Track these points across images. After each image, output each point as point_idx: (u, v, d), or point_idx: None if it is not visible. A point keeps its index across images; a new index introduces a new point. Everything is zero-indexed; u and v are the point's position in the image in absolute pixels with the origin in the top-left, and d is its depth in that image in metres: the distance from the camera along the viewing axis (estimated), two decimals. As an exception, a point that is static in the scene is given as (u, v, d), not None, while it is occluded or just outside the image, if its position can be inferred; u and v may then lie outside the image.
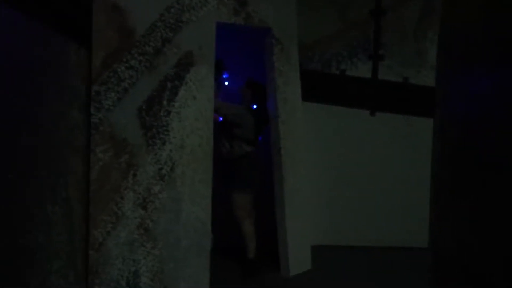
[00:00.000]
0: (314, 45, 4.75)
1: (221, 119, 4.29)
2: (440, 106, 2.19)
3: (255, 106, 4.30)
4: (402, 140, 4.84)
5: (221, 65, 4.13)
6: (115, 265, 3.47)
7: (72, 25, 3.27)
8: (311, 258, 4.37)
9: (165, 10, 3.52)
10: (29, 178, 2.66)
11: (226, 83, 4.42)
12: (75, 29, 3.31)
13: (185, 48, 3.57)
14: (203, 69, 3.64)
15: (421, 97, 4.75)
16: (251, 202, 4.30)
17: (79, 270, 3.31)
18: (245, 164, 4.27)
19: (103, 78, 3.48)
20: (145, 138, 3.52)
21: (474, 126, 1.90)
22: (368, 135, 4.83)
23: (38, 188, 2.74)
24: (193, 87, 3.60)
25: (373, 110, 4.81)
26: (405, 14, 4.83)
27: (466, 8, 1.88)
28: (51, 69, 2.95)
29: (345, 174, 4.81)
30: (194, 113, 3.62)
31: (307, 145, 4.53)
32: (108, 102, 3.50)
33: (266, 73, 4.16)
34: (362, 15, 4.79)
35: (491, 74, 1.73)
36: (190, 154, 3.61)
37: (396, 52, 4.83)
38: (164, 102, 3.54)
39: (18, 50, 2.57)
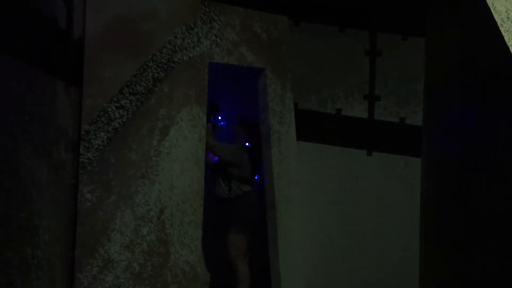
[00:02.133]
0: (309, 84, 4.74)
1: (216, 159, 4.26)
2: (426, 145, 2.14)
3: (247, 144, 4.27)
4: (399, 180, 4.76)
5: (215, 106, 4.12)
6: (100, 310, 3.34)
7: (61, 64, 3.26)
8: (305, 302, 4.23)
9: (157, 50, 3.52)
10: (7, 221, 2.57)
11: (221, 123, 4.41)
12: (65, 67, 3.30)
13: (177, 88, 3.55)
14: (195, 109, 3.61)
15: (418, 137, 4.69)
16: (247, 242, 4.24)
17: (62, 317, 3.18)
18: (242, 204, 4.25)
19: (93, 118, 3.45)
20: (134, 178, 3.45)
21: (459, 164, 1.85)
22: (364, 175, 4.75)
23: (16, 232, 2.65)
24: (184, 126, 3.56)
25: (370, 150, 4.75)
26: (401, 55, 4.84)
27: (448, 51, 1.86)
28: (37, 107, 2.91)
29: (341, 215, 4.70)
30: (184, 153, 3.56)
31: (302, 185, 4.46)
32: (97, 142, 3.45)
33: (260, 113, 4.13)
34: (357, 55, 4.80)
35: (472, 112, 1.69)
36: (180, 195, 3.53)
37: (392, 93, 4.81)
38: (154, 142, 3.49)
39: (4, 88, 2.53)
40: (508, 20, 1.38)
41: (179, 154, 3.54)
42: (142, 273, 3.41)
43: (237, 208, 4.25)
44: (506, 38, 1.32)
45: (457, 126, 1.93)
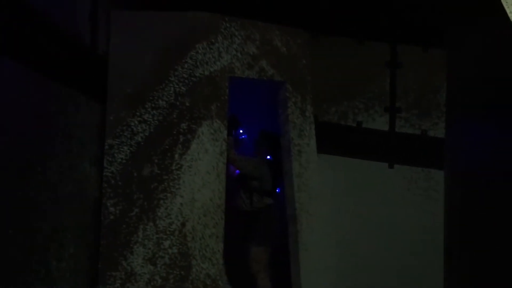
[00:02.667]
0: (330, 97, 4.74)
1: (238, 172, 4.28)
2: (449, 158, 2.12)
3: (268, 157, 4.27)
4: (421, 193, 4.70)
5: (236, 120, 4.15)
6: (122, 323, 3.36)
7: (85, 79, 3.34)
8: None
9: (179, 65, 3.57)
10: (33, 233, 2.63)
11: (243, 137, 4.42)
12: (89, 82, 3.37)
13: (198, 103, 3.59)
14: (216, 123, 3.64)
15: (441, 149, 4.64)
16: (268, 255, 4.23)
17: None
18: (264, 217, 4.24)
19: (117, 132, 3.51)
20: (156, 192, 3.49)
21: (485, 176, 1.83)
22: (386, 188, 4.71)
23: (42, 245, 2.71)
24: (205, 140, 3.59)
25: (391, 162, 4.71)
26: (422, 66, 4.80)
27: (469, 63, 1.85)
28: (61, 122, 2.98)
29: (363, 228, 4.65)
30: (206, 166, 3.59)
31: (323, 198, 4.44)
32: (121, 156, 3.51)
33: (280, 126, 4.15)
34: (377, 67, 4.78)
35: (495, 124, 1.68)
36: (201, 208, 3.55)
37: (413, 104, 4.77)
38: (176, 156, 3.53)
39: (27, 103, 2.61)
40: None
41: (201, 168, 3.57)
42: (164, 286, 3.43)
43: (258, 221, 4.25)
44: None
45: (481, 138, 1.91)
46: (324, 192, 4.48)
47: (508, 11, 1.38)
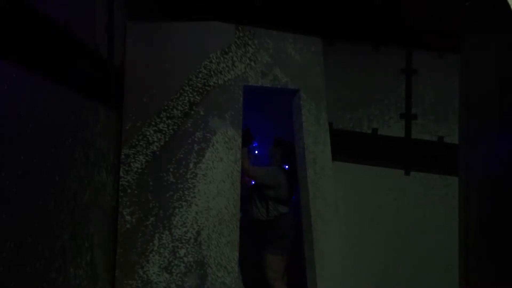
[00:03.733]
0: (345, 104, 4.73)
1: (253, 182, 4.29)
2: (464, 166, 2.09)
3: (287, 167, 4.29)
4: (438, 199, 4.65)
5: (250, 134, 4.17)
6: (139, 331, 3.39)
7: (102, 89, 3.39)
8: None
9: (193, 74, 3.61)
10: (52, 240, 2.67)
11: (256, 152, 4.44)
12: (106, 93, 3.43)
13: (212, 112, 3.62)
14: (230, 132, 3.66)
15: (458, 156, 4.58)
16: (284, 263, 4.23)
17: (102, 336, 3.24)
18: (280, 225, 4.25)
19: (133, 141, 3.56)
20: (172, 200, 3.52)
21: (499, 187, 1.80)
22: (403, 195, 4.67)
23: (60, 252, 2.75)
24: (220, 149, 3.62)
25: (408, 169, 4.68)
26: (438, 72, 4.77)
27: (483, 70, 1.83)
28: (79, 131, 3.03)
29: (379, 236, 4.62)
30: (220, 175, 3.61)
31: (339, 206, 4.42)
32: (136, 165, 3.55)
33: (295, 133, 4.15)
34: (393, 74, 4.76)
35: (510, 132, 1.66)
36: (216, 217, 3.57)
37: (429, 111, 4.73)
38: (191, 165, 3.56)
39: (47, 113, 2.66)
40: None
41: (215, 176, 3.59)
42: (180, 294, 3.44)
43: (274, 229, 4.25)
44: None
45: (495, 146, 1.89)
46: (339, 199, 4.46)
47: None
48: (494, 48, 1.84)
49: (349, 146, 4.70)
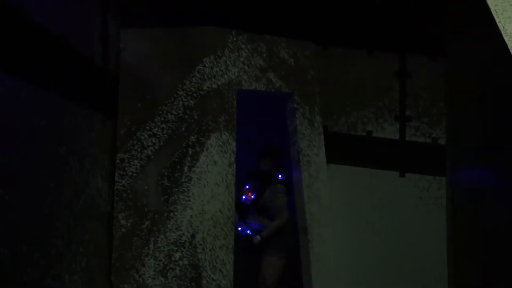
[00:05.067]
0: (339, 107, 4.75)
1: (253, 196, 4.18)
2: (450, 168, 2.12)
3: (280, 176, 4.22)
4: (433, 201, 4.66)
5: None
6: (135, 335, 3.41)
7: (97, 97, 3.43)
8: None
9: (187, 79, 3.64)
10: (48, 249, 2.69)
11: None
12: (100, 100, 3.46)
13: (206, 116, 3.65)
14: (224, 135, 3.69)
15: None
16: (282, 267, 4.20)
17: None
18: (282, 229, 4.21)
19: (127, 146, 3.58)
20: (166, 204, 3.54)
21: (486, 195, 1.83)
22: (397, 196, 4.69)
23: (55, 259, 2.77)
24: (214, 152, 3.64)
25: (403, 171, 4.70)
26: (431, 75, 4.79)
27: (466, 74, 1.86)
28: (74, 139, 3.06)
29: (374, 237, 4.63)
30: (215, 178, 3.63)
31: (334, 209, 4.43)
32: (131, 169, 3.58)
33: (289, 137, 4.17)
34: (387, 77, 4.79)
35: (495, 132, 1.68)
36: (211, 220, 3.59)
37: (423, 113, 4.76)
38: (185, 168, 3.58)
39: (42, 121, 2.69)
40: (519, 42, 1.39)
41: (210, 180, 3.61)
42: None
43: (272, 234, 4.22)
44: (516, 60, 1.32)
45: (479, 148, 1.92)
46: (334, 202, 4.48)
47: (497, 20, 1.40)
48: (477, 53, 1.87)
49: (344, 149, 4.72)
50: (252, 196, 4.10)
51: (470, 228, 2.04)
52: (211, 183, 3.61)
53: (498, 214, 1.77)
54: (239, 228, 4.01)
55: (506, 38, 1.40)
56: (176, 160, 3.58)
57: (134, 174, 3.56)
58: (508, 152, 1.67)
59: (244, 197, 4.06)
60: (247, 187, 4.14)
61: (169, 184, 3.56)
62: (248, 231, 4.03)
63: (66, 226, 2.93)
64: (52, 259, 2.74)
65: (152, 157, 3.58)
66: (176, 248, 3.51)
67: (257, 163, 4.26)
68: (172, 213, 3.54)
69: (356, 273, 4.64)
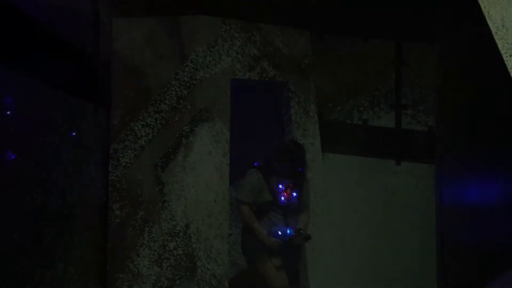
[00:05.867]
0: (335, 95, 4.73)
1: (295, 194, 3.65)
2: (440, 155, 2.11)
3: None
4: (429, 189, 4.66)
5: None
6: (130, 324, 3.43)
7: (89, 86, 3.41)
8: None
9: (180, 69, 3.62)
10: (40, 238, 2.70)
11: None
12: (93, 90, 3.45)
13: (199, 105, 3.64)
14: (218, 125, 3.68)
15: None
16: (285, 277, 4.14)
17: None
18: None
19: (121, 136, 3.58)
20: (161, 194, 3.54)
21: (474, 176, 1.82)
22: (394, 185, 4.69)
23: (49, 249, 2.77)
24: (208, 142, 3.64)
25: (399, 159, 4.69)
26: (427, 63, 4.76)
27: (456, 62, 1.84)
28: (66, 129, 3.05)
29: (370, 226, 4.64)
30: (209, 168, 3.63)
31: (330, 197, 4.43)
32: (125, 160, 3.58)
33: (284, 126, 4.16)
34: (382, 65, 4.76)
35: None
36: (205, 210, 3.59)
37: (419, 101, 4.73)
38: (179, 158, 3.58)
39: (34, 111, 2.68)
40: (503, 28, 1.37)
41: (204, 169, 3.61)
42: (170, 287, 3.48)
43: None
44: (500, 46, 1.31)
45: (469, 133, 1.90)
46: (330, 191, 4.48)
47: (482, 5, 1.38)
48: (467, 46, 1.85)
49: (339, 138, 4.71)
50: (295, 194, 3.65)
51: (455, 227, 2.03)
52: (205, 173, 3.61)
53: (483, 199, 1.76)
54: (288, 231, 3.57)
55: (490, 24, 1.38)
56: (170, 150, 3.58)
57: (128, 164, 3.56)
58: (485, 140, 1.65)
59: (283, 198, 3.58)
60: (281, 187, 3.59)
61: (163, 174, 3.56)
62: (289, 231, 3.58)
63: (60, 215, 2.93)
64: (45, 248, 2.75)
65: (145, 147, 3.57)
66: (170, 238, 3.51)
67: (281, 161, 3.63)
68: (166, 203, 3.54)
69: (351, 261, 4.65)
